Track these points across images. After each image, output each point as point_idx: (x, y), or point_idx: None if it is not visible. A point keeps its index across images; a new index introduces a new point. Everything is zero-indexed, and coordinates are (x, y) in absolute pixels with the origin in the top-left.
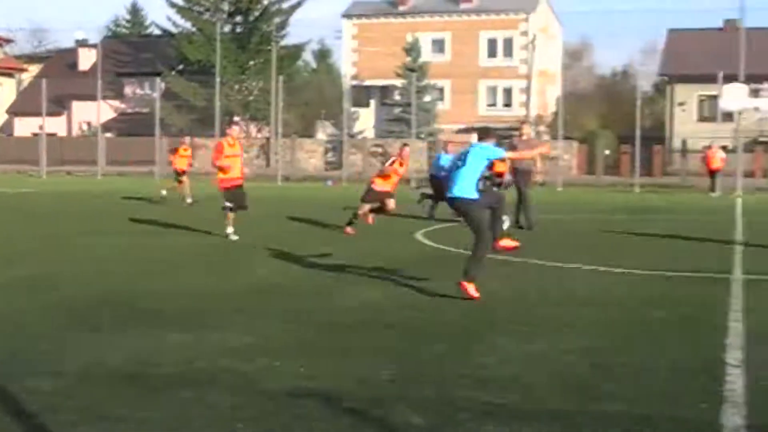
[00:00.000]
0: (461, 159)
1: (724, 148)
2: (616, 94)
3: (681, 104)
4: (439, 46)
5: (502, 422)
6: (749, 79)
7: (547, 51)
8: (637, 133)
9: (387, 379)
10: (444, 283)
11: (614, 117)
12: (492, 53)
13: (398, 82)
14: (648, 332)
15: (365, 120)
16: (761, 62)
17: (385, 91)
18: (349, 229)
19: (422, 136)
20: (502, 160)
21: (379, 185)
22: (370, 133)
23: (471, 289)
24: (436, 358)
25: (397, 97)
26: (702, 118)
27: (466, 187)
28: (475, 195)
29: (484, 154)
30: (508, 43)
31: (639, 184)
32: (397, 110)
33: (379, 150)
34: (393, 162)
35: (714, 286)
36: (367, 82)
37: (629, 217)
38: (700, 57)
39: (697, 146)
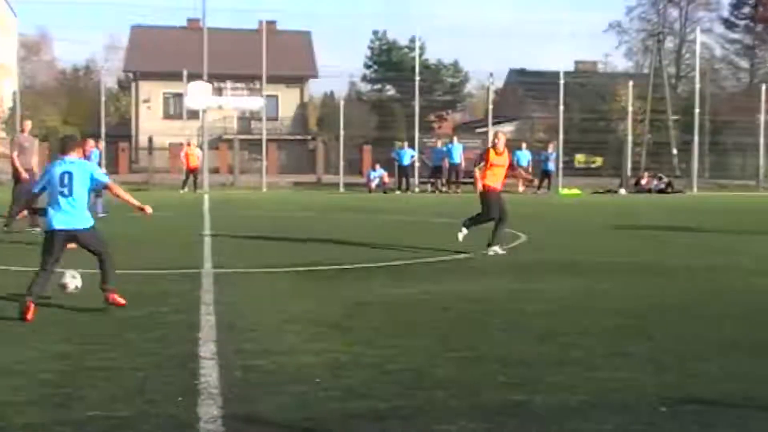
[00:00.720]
0: (64, 185)
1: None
2: (79, 89)
3: (146, 101)
4: None
5: None
6: (212, 77)
7: (0, 43)
8: (103, 130)
9: None
10: None
11: (78, 113)
12: None
13: None
14: (122, 331)
15: None
16: (223, 62)
17: None
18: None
19: None
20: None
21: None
22: None
23: (119, 298)
24: None
25: None
26: (168, 116)
27: (80, 215)
28: (92, 221)
29: (87, 173)
30: None
31: None
32: None
33: None
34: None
35: (186, 282)
36: None
37: (105, 216)
38: (165, 54)
39: (164, 144)
